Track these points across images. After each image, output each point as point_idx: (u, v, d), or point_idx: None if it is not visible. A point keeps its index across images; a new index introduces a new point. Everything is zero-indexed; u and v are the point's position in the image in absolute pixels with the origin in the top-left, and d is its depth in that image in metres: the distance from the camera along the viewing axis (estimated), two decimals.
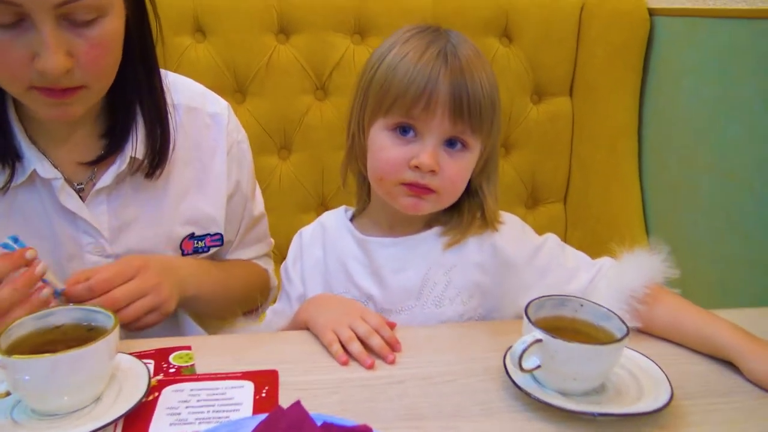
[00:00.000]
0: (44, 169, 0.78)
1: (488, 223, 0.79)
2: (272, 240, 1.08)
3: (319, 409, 0.60)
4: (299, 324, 0.77)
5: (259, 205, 1.01)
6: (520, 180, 1.56)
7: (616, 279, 0.75)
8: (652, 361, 0.66)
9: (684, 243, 1.31)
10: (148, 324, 0.76)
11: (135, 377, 0.61)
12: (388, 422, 0.59)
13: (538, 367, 0.61)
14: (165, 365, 0.68)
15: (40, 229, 0.80)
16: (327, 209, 0.91)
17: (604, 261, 0.80)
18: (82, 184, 0.81)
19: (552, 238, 0.82)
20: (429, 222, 0.81)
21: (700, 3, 1.29)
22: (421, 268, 0.79)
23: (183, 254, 0.89)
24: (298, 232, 0.88)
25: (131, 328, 0.75)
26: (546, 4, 1.48)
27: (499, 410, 0.62)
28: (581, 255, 0.82)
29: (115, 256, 0.83)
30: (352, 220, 0.85)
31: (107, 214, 0.82)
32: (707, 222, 1.28)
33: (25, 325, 0.59)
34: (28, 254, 0.68)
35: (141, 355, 0.67)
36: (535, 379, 0.64)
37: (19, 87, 0.69)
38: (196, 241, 0.90)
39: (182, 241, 0.88)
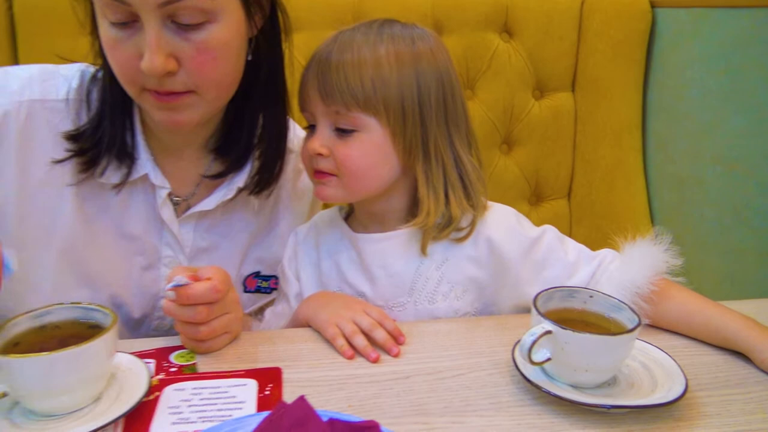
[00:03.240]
0: (156, 176, 0.78)
1: (427, 222, 0.75)
2: None
3: (324, 406, 0.59)
4: (299, 322, 0.76)
5: None
6: (524, 176, 1.54)
7: (619, 275, 0.73)
8: (665, 352, 0.65)
9: (691, 236, 1.30)
10: (219, 345, 0.70)
11: (135, 376, 0.60)
12: (396, 418, 0.58)
13: (548, 359, 0.60)
14: (166, 364, 0.67)
15: (130, 232, 0.81)
16: None
17: (605, 254, 0.78)
18: (179, 199, 0.82)
19: (550, 231, 0.79)
20: (405, 219, 0.79)
21: None
22: (412, 264, 0.77)
23: (245, 290, 0.88)
24: (294, 230, 0.87)
25: (201, 347, 0.69)
26: None
27: (508, 404, 0.60)
28: (582, 248, 0.79)
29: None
30: (347, 218, 0.84)
31: (193, 233, 0.83)
32: (714, 214, 1.27)
33: (21, 324, 0.58)
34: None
35: (142, 355, 0.66)
36: (545, 372, 0.62)
37: (134, 88, 0.69)
38: (260, 281, 0.89)
39: (247, 278, 0.87)
